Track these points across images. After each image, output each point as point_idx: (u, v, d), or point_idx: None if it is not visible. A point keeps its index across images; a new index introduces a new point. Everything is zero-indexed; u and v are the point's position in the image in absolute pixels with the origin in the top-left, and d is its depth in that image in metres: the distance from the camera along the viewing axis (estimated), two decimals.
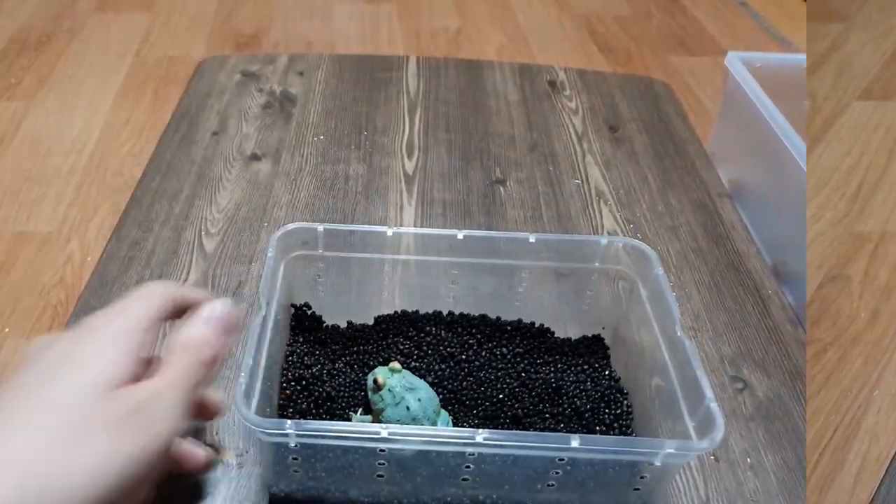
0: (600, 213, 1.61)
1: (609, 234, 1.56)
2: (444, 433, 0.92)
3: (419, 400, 1.04)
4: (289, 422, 0.91)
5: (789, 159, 1.52)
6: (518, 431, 0.92)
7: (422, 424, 1.03)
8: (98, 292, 1.37)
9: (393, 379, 1.06)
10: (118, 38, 3.52)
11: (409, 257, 1.23)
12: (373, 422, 1.06)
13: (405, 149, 1.77)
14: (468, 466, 0.97)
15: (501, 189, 1.66)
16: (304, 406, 1.12)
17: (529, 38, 3.59)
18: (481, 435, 0.91)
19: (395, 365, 1.07)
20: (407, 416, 1.03)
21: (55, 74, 3.23)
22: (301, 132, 1.82)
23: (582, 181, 1.70)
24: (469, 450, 0.93)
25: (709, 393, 0.94)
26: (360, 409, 1.14)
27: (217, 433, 1.14)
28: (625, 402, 1.14)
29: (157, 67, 3.30)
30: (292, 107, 1.91)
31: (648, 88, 2.07)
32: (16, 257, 2.27)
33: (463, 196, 1.64)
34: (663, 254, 1.50)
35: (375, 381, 1.05)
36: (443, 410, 1.10)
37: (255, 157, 1.72)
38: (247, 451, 1.12)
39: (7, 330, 2.05)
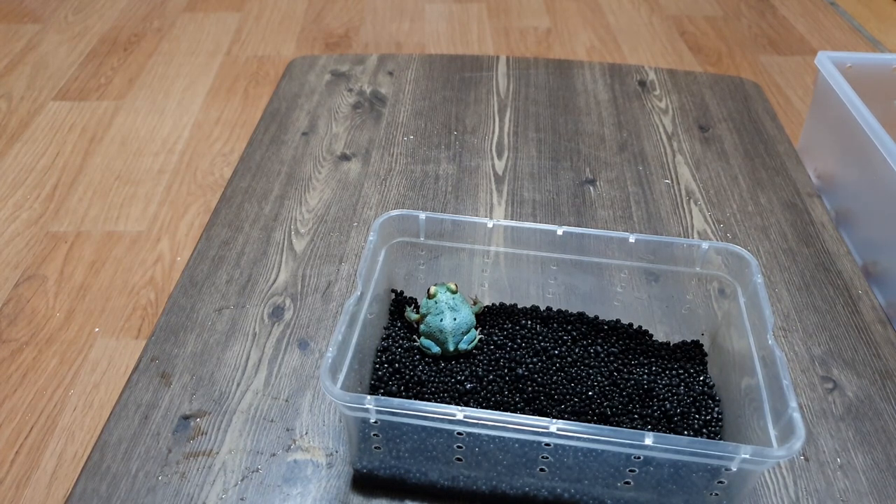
0: (690, 213, 1.61)
1: (699, 234, 1.55)
2: (519, 420, 0.93)
3: (455, 319, 1.20)
4: (368, 397, 0.94)
5: (880, 160, 1.51)
6: (594, 425, 0.92)
7: (447, 339, 1.17)
8: (188, 292, 1.39)
9: (443, 294, 1.21)
10: (208, 37, 3.55)
11: (507, 250, 1.25)
12: (417, 322, 1.22)
13: (495, 149, 1.78)
14: (545, 457, 0.98)
15: (591, 189, 1.67)
16: (394, 388, 1.15)
17: (619, 38, 3.58)
18: (555, 425, 0.92)
19: (452, 286, 1.25)
20: (439, 327, 1.19)
21: (145, 74, 3.26)
22: (391, 132, 1.83)
23: (672, 181, 1.70)
24: (544, 439, 0.95)
25: (793, 403, 0.94)
26: (413, 308, 1.27)
27: (306, 433, 1.16)
28: (716, 408, 1.14)
29: (248, 66, 3.33)
30: (382, 107, 1.93)
31: (738, 88, 2.06)
32: (106, 257, 2.30)
33: (553, 196, 1.64)
34: (753, 253, 1.49)
35: (429, 290, 1.24)
36: (473, 330, 1.21)
37: (344, 157, 1.74)
38: (336, 451, 1.13)
39: (97, 330, 2.08)
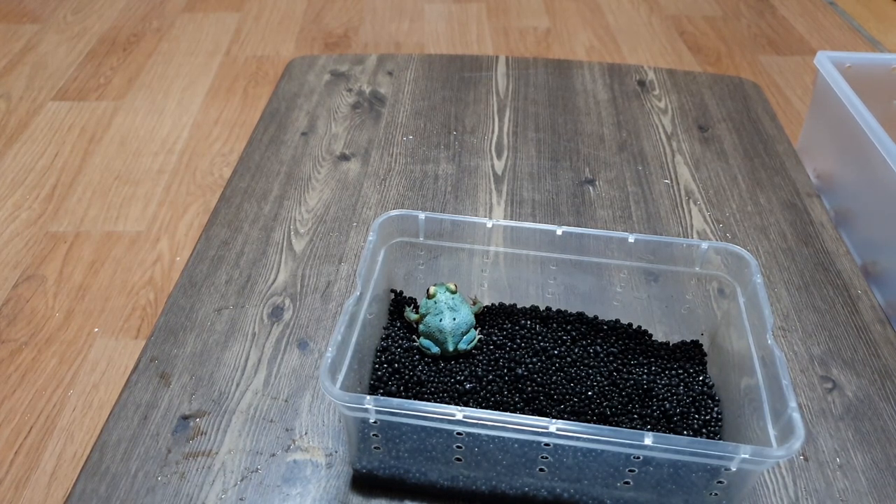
0: (690, 213, 1.61)
1: (698, 234, 1.55)
2: (519, 420, 0.93)
3: (454, 319, 1.20)
4: (368, 397, 0.94)
5: (879, 160, 1.51)
6: (593, 425, 0.92)
7: (447, 339, 1.16)
8: (187, 292, 1.39)
9: (442, 294, 1.21)
10: (207, 37, 3.55)
11: (506, 250, 1.25)
12: (416, 322, 1.21)
13: (494, 149, 1.78)
14: (545, 457, 0.98)
15: (591, 189, 1.67)
16: (393, 388, 1.15)
17: (619, 38, 3.58)
18: (555, 425, 0.92)
19: (451, 286, 1.24)
20: (439, 327, 1.19)
21: (144, 74, 3.26)
22: (390, 132, 1.83)
23: (671, 181, 1.70)
24: (543, 439, 0.95)
25: (792, 402, 0.94)
26: (412, 308, 1.27)
27: (306, 433, 1.16)
28: (715, 408, 1.14)
29: (247, 67, 3.33)
30: (381, 107, 1.92)
31: (738, 88, 2.06)
32: (105, 257, 2.30)
33: (552, 196, 1.64)
34: (753, 253, 1.49)
35: (428, 290, 1.24)
36: (472, 330, 1.21)
37: (344, 157, 1.74)
38: (335, 452, 1.13)
39: (97, 330, 2.08)
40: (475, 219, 1.22)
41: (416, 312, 1.24)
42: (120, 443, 1.13)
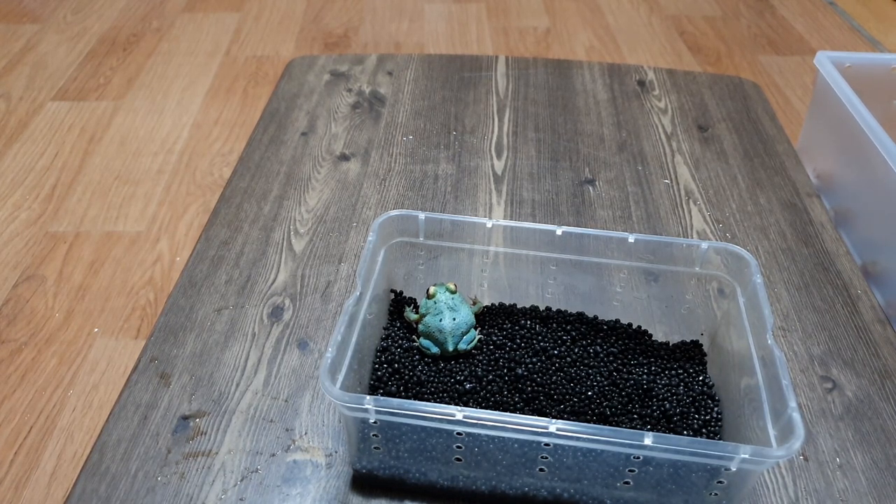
0: (689, 212, 1.61)
1: (698, 234, 1.55)
2: (519, 420, 0.93)
3: (454, 319, 1.19)
4: (368, 397, 0.94)
5: (879, 160, 1.51)
6: (593, 425, 0.92)
7: (447, 339, 1.16)
8: (187, 292, 1.39)
9: (442, 294, 1.21)
10: (207, 37, 3.55)
11: (506, 250, 1.25)
12: (416, 322, 1.21)
13: (494, 149, 1.78)
14: (545, 457, 0.98)
15: (590, 189, 1.66)
16: (393, 388, 1.14)
17: (619, 38, 3.58)
18: (555, 425, 0.91)
19: (451, 286, 1.24)
20: (439, 327, 1.19)
21: (144, 74, 3.26)
22: (390, 132, 1.83)
23: (671, 181, 1.69)
24: (543, 439, 0.94)
25: (792, 402, 0.94)
26: (412, 308, 1.27)
27: (306, 434, 1.16)
28: (715, 409, 1.13)
29: (247, 67, 3.33)
30: (381, 107, 1.92)
31: (738, 88, 2.06)
32: (105, 257, 2.30)
33: (552, 196, 1.64)
34: (753, 253, 1.49)
35: (428, 290, 1.23)
36: (472, 330, 1.21)
37: (343, 158, 1.74)
38: (335, 452, 1.13)
39: (97, 330, 2.08)
40: (475, 219, 1.22)
41: (416, 312, 1.24)
42: (120, 443, 1.13)
